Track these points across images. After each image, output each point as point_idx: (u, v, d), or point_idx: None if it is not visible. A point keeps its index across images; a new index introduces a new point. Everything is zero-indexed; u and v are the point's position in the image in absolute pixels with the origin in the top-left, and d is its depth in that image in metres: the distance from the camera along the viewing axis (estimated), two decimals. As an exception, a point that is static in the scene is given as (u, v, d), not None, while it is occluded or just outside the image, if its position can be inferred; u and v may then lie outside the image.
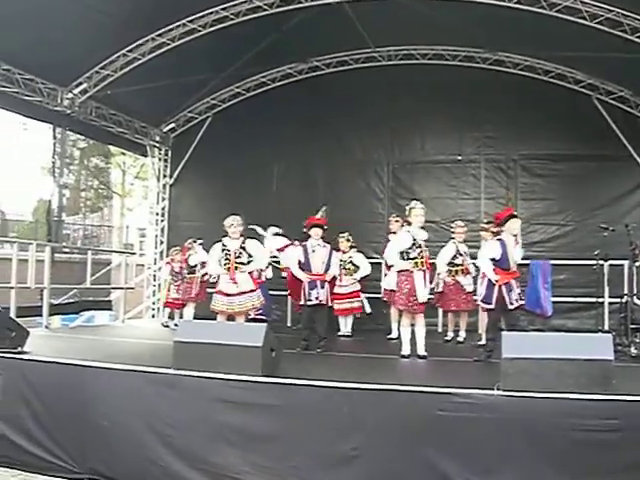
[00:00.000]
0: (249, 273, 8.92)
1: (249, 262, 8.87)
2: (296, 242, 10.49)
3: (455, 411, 5.48)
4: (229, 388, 5.98)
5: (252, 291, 8.86)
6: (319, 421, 5.77)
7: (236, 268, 8.76)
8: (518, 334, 6.32)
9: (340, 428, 5.71)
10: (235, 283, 8.76)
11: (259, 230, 11.07)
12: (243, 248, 8.89)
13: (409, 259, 8.26)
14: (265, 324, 6.46)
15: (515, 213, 8.64)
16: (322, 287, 9.19)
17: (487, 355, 8.04)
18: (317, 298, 9.17)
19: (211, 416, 6.00)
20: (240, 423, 5.90)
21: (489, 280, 8.16)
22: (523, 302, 8.29)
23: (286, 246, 10.80)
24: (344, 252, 10.99)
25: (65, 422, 6.56)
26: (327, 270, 9.30)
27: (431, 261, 8.79)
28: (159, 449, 6.12)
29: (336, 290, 10.68)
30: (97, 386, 6.51)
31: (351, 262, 11.00)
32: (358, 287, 11.13)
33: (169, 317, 12.69)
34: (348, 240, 11.07)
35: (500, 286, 8.05)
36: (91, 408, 6.44)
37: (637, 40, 10.08)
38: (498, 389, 5.50)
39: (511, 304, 8.01)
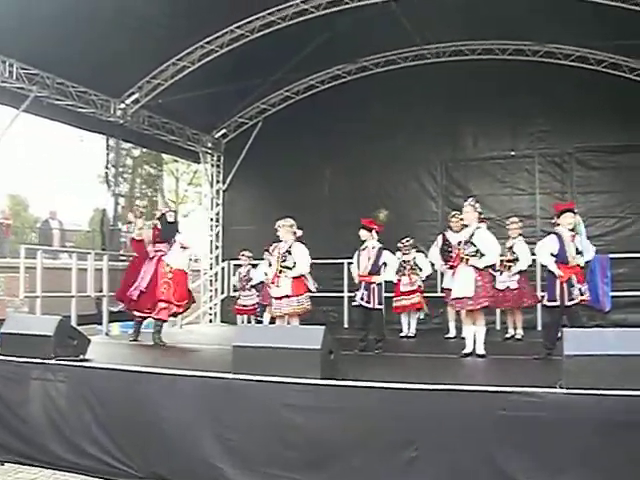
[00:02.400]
0: (295, 278, 8.91)
1: (294, 266, 8.88)
2: None
3: (517, 410, 5.40)
4: (289, 392, 5.98)
5: (294, 296, 8.83)
6: (379, 422, 5.74)
7: (280, 271, 8.79)
8: (580, 330, 6.18)
9: (401, 429, 5.67)
10: (277, 287, 8.81)
11: None
12: (289, 252, 8.92)
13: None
14: (323, 326, 6.45)
15: (570, 207, 8.48)
16: (366, 289, 9.13)
17: (547, 352, 7.92)
18: (362, 299, 9.14)
19: (271, 420, 6.01)
20: (301, 427, 5.90)
21: (550, 276, 8.05)
22: (585, 298, 8.03)
23: None
24: (405, 253, 10.94)
25: (128, 427, 6.63)
26: (371, 272, 9.16)
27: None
28: (219, 453, 6.15)
29: (402, 289, 10.87)
30: (158, 391, 6.57)
31: (415, 263, 10.94)
32: (419, 285, 11.04)
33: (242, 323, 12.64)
34: (409, 242, 11.02)
35: (562, 282, 7.91)
36: (152, 413, 6.50)
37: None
38: (560, 387, 5.40)
39: (571, 300, 7.88)
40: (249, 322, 12.29)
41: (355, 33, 11.94)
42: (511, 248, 10.13)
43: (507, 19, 11.67)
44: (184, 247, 10.27)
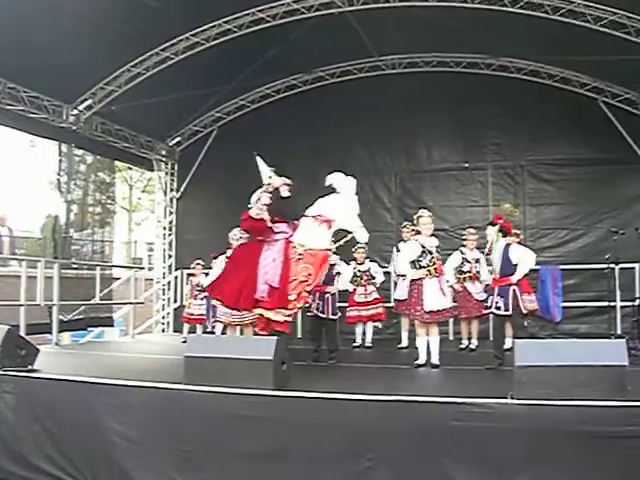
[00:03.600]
0: None
1: None
2: None
3: (469, 420, 5.44)
4: (241, 402, 5.94)
5: None
6: (333, 433, 5.73)
7: None
8: (531, 341, 6.25)
9: (354, 440, 5.66)
10: None
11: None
12: None
13: (421, 267, 8.21)
14: (276, 337, 6.42)
15: (493, 221, 8.76)
16: (320, 299, 9.10)
17: (499, 363, 8.02)
18: (317, 309, 9.10)
19: (225, 431, 5.95)
20: (255, 437, 5.85)
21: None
22: (506, 312, 8.16)
23: None
24: (359, 263, 10.93)
25: (77, 439, 6.52)
26: (326, 282, 9.03)
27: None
28: (173, 464, 6.08)
29: (356, 299, 10.85)
30: (108, 402, 6.47)
31: (369, 272, 10.93)
32: (376, 295, 11.03)
33: (189, 332, 12.45)
34: (365, 251, 10.98)
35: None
36: (103, 425, 6.41)
37: (640, 42, 10.07)
38: (512, 397, 5.45)
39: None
40: (193, 332, 12.12)
41: (311, 43, 11.94)
42: (478, 260, 10.18)
43: (462, 32, 11.78)
44: (323, 221, 8.65)
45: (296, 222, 8.69)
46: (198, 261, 12.36)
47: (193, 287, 12.27)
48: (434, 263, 8.23)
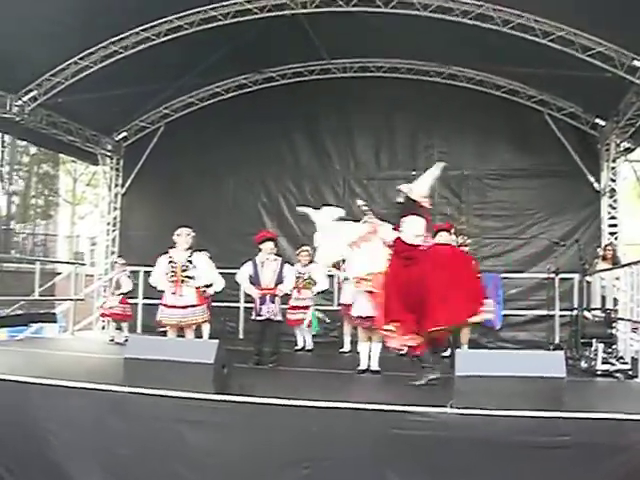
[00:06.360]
0: (196, 288, 8.80)
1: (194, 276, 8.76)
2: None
3: (409, 429, 5.48)
4: (181, 406, 5.88)
5: (197, 305, 8.75)
6: (271, 439, 5.71)
7: (182, 281, 8.65)
8: (471, 352, 6.34)
9: (293, 445, 5.65)
10: (180, 296, 8.65)
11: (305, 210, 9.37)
12: (190, 261, 8.80)
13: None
14: (217, 340, 6.37)
15: (445, 227, 8.98)
16: (272, 301, 9.03)
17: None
18: (268, 312, 9.06)
19: (163, 435, 5.88)
20: (193, 442, 5.79)
21: None
22: None
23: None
24: (304, 265, 10.90)
25: (11, 441, 6.36)
26: (278, 284, 9.07)
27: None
28: (110, 469, 5.98)
29: (292, 302, 10.77)
30: (43, 403, 6.33)
31: (309, 277, 10.87)
32: (309, 303, 10.91)
33: (117, 328, 12.30)
34: (309, 254, 10.92)
35: None
36: (39, 426, 6.26)
37: (587, 58, 10.27)
38: (452, 407, 5.50)
39: None
40: (119, 328, 12.09)
41: (263, 43, 11.88)
42: None
43: (413, 40, 11.89)
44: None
45: None
46: (119, 259, 12.31)
47: (113, 284, 12.08)
48: None
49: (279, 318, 9.13)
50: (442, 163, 8.22)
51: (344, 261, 9.30)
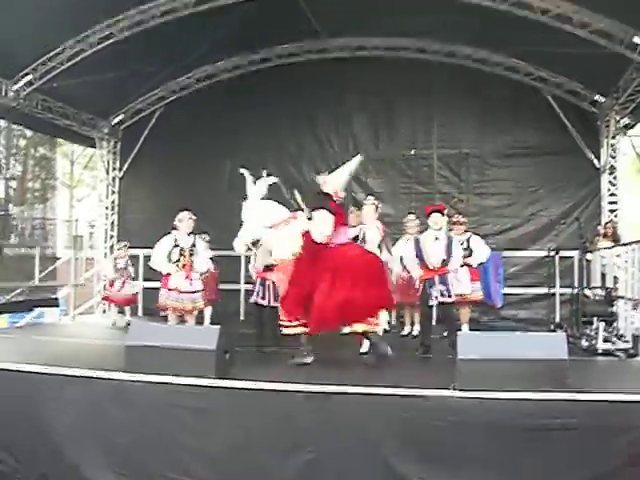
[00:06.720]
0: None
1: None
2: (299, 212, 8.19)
3: (411, 412, 5.49)
4: (182, 393, 5.88)
5: (202, 291, 8.79)
6: (272, 424, 5.72)
7: (191, 266, 8.70)
8: (473, 334, 6.34)
9: (296, 430, 5.66)
10: (191, 281, 8.68)
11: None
12: (194, 245, 8.82)
13: None
14: (218, 326, 6.36)
15: (439, 209, 8.90)
16: (261, 285, 8.86)
17: (424, 350, 8.31)
18: (258, 296, 8.92)
19: (164, 422, 5.89)
20: (195, 429, 5.81)
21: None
22: (447, 299, 8.37)
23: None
24: None
25: (14, 428, 6.38)
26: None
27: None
28: (110, 456, 6.00)
29: None
30: (46, 391, 6.35)
31: None
32: None
33: (119, 312, 12.32)
34: None
35: (423, 282, 8.46)
36: (40, 414, 6.29)
37: (585, 35, 10.19)
38: (454, 389, 5.50)
39: (431, 300, 8.37)
40: (121, 312, 12.22)
41: (258, 23, 11.74)
42: None
43: (410, 18, 11.74)
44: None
45: None
46: (125, 243, 12.27)
47: (120, 269, 12.02)
48: None
49: (274, 303, 8.98)
50: (359, 156, 8.36)
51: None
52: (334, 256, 7.31)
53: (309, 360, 7.40)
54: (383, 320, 7.96)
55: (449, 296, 8.36)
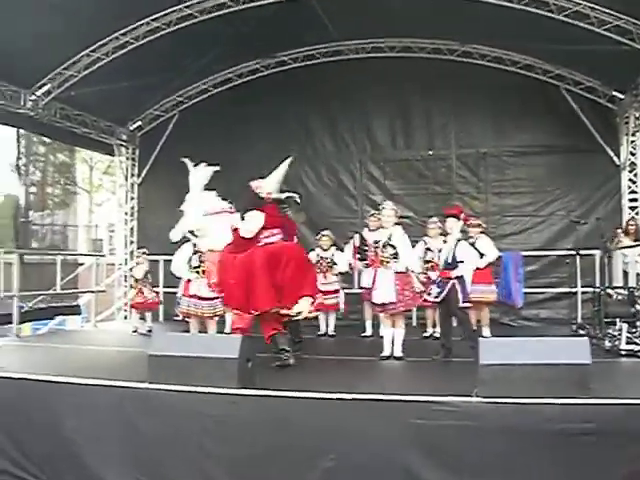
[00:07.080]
0: None
1: None
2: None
3: (433, 419, 5.48)
4: (206, 402, 5.91)
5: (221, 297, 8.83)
6: (296, 431, 5.73)
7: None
8: (495, 340, 6.31)
9: (318, 437, 5.66)
10: (213, 288, 8.74)
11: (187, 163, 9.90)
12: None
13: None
14: (241, 335, 6.39)
15: (453, 212, 8.89)
16: None
17: (445, 353, 8.33)
18: None
19: (189, 431, 5.91)
20: (219, 437, 5.83)
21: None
22: (436, 299, 8.53)
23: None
24: (324, 250, 10.90)
25: (37, 438, 6.43)
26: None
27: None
28: (135, 465, 6.04)
29: (321, 288, 10.60)
30: (68, 401, 6.40)
31: (332, 260, 10.87)
32: (338, 286, 11.00)
33: (140, 318, 12.34)
34: (330, 239, 10.99)
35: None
36: (63, 423, 6.33)
37: (603, 32, 10.12)
38: (477, 395, 5.48)
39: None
40: (142, 318, 12.08)
41: (275, 27, 11.78)
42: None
43: (426, 19, 11.75)
44: None
45: None
46: (144, 249, 12.31)
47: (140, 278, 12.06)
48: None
49: None
50: (290, 158, 8.68)
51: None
52: (260, 250, 7.70)
53: (292, 361, 7.72)
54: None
55: (440, 298, 8.45)
